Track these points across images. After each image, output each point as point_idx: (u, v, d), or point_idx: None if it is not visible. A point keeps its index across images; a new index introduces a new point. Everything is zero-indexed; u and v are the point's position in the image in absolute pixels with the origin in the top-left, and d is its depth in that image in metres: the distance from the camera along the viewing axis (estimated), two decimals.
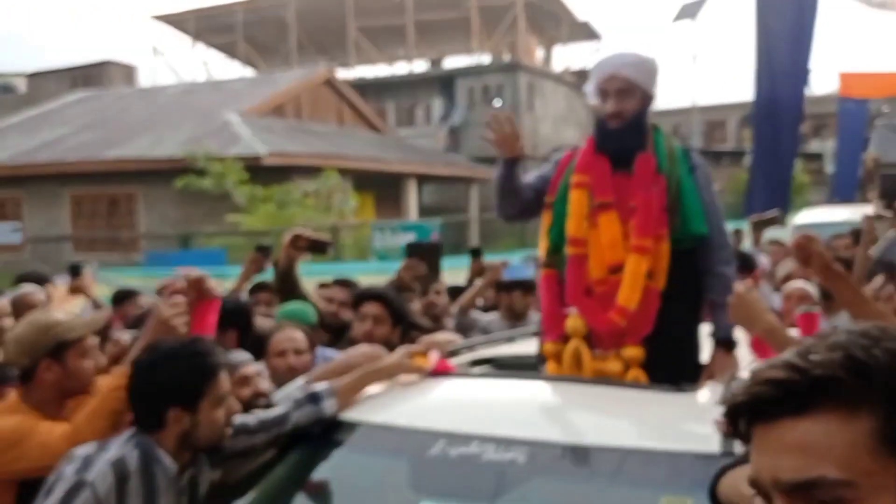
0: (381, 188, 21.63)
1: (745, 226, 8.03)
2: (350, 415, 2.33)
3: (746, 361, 2.57)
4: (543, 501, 2.05)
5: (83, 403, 2.38)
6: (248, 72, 33.42)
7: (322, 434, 2.32)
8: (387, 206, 21.82)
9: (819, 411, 0.83)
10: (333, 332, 3.96)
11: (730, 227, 3.88)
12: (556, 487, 2.00)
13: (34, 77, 32.79)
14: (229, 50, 34.63)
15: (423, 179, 24.05)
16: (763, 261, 6.38)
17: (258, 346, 3.14)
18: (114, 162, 18.26)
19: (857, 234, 5.82)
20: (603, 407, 2.33)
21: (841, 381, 0.82)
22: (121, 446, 2.08)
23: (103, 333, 3.03)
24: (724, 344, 2.69)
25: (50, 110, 24.09)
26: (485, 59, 31.17)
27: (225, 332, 3.01)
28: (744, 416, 0.89)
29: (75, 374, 2.43)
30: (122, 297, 5.25)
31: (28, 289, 4.38)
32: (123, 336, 3.38)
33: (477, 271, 5.71)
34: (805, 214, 10.72)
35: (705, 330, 2.79)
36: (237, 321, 3.29)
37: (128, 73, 31.95)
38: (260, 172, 16.48)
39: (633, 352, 2.63)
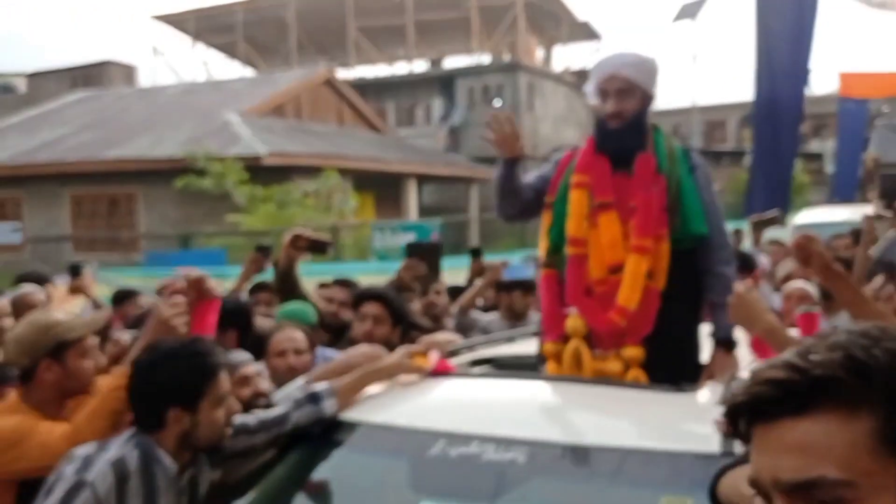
0: (381, 188, 21.63)
1: (745, 226, 8.03)
2: (350, 415, 2.33)
3: (746, 361, 2.57)
4: (543, 501, 2.05)
5: (83, 403, 2.38)
6: (248, 72, 33.43)
7: (322, 434, 2.32)
8: (387, 206, 21.81)
9: (819, 411, 0.83)
10: (333, 332, 3.96)
11: (730, 227, 3.88)
12: (556, 487, 2.00)
13: (34, 77, 32.80)
14: (229, 50, 34.63)
15: (423, 179, 24.05)
16: (763, 261, 6.38)
17: (258, 346, 3.14)
18: (114, 162, 18.26)
19: (857, 234, 5.82)
20: (603, 407, 2.33)
21: (841, 381, 0.82)
22: (121, 446, 2.08)
23: (103, 333, 3.03)
24: (724, 344, 2.69)
25: (50, 110, 24.09)
26: (485, 59, 31.16)
27: (225, 332, 3.01)
28: (744, 416, 0.89)
29: (75, 374, 2.43)
30: (122, 297, 5.25)
31: (28, 289, 4.38)
32: (123, 336, 3.38)
33: (477, 271, 5.71)
34: (805, 214, 10.71)
35: (705, 330, 2.79)
36: (237, 321, 3.29)
37: (128, 73, 31.96)
38: (260, 172, 16.47)
39: (633, 352, 2.63)
